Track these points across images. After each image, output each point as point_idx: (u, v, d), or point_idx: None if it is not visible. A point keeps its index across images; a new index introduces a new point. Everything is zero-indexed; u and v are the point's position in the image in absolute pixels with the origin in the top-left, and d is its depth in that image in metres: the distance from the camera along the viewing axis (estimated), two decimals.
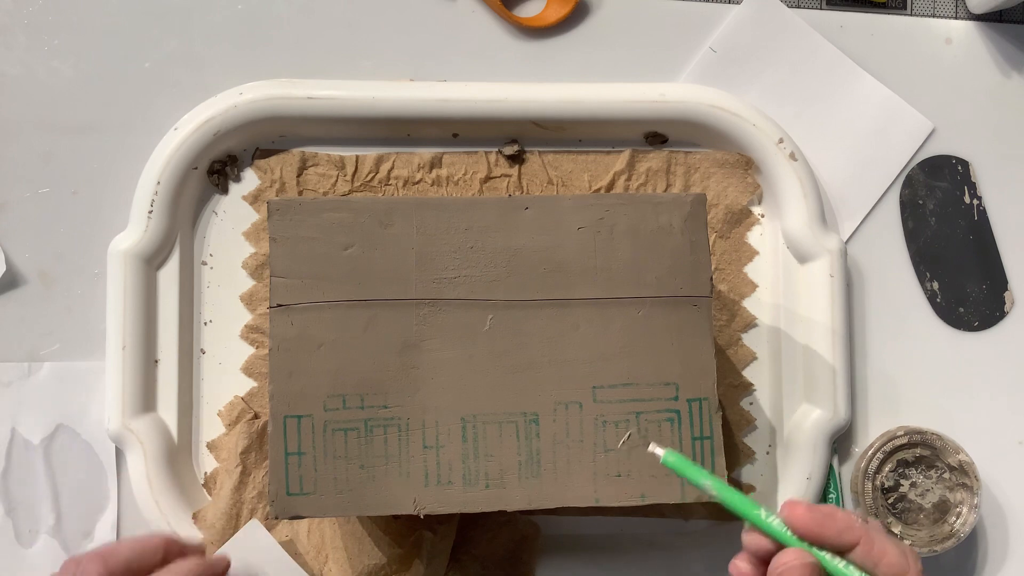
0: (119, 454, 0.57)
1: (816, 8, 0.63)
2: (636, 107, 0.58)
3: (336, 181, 0.59)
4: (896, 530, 0.57)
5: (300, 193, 0.59)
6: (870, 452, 0.58)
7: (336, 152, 0.59)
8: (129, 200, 0.57)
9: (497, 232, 0.49)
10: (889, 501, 0.57)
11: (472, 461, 0.47)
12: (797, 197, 0.59)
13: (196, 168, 0.57)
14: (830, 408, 0.58)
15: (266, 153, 0.59)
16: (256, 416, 0.57)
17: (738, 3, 0.62)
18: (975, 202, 0.63)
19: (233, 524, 0.55)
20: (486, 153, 0.60)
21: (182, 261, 0.57)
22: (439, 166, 0.59)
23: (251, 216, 0.59)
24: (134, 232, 0.56)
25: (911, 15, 0.63)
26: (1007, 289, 0.63)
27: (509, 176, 0.60)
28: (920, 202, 0.62)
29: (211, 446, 0.58)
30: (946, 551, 0.57)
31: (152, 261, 0.57)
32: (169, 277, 0.57)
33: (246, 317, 0.58)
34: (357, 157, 0.59)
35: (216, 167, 0.58)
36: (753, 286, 0.60)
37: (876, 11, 0.63)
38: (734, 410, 0.59)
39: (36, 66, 0.58)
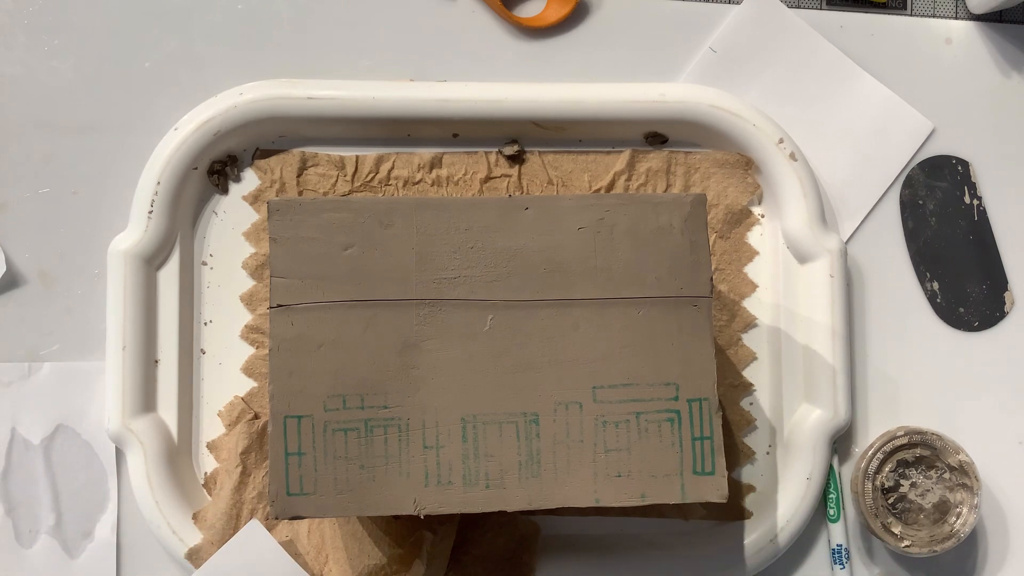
0: (119, 454, 0.57)
1: (816, 8, 0.63)
2: (636, 107, 0.58)
3: (336, 181, 0.59)
4: (896, 530, 0.57)
5: (300, 193, 0.59)
6: (870, 452, 0.58)
7: (336, 152, 0.59)
8: (129, 200, 0.57)
9: (497, 232, 0.49)
10: (889, 501, 0.57)
11: (472, 461, 0.47)
12: (797, 197, 0.59)
13: (196, 168, 0.57)
14: (830, 408, 0.58)
15: (266, 153, 0.59)
16: (256, 416, 0.57)
17: (738, 3, 0.62)
18: (975, 202, 0.63)
19: (233, 524, 0.55)
20: (486, 153, 0.60)
21: (182, 261, 0.57)
22: (439, 166, 0.59)
23: (251, 216, 0.59)
24: (134, 232, 0.56)
25: (911, 15, 0.63)
26: (1007, 289, 0.63)
27: (509, 176, 0.60)
28: (920, 202, 0.62)
29: (211, 446, 0.58)
30: (946, 551, 0.57)
31: (152, 261, 0.57)
32: (169, 277, 0.57)
33: (246, 317, 0.58)
34: (357, 157, 0.59)
35: (216, 167, 0.58)
36: (753, 286, 0.60)
37: (876, 11, 0.63)
38: (734, 410, 0.59)
39: (36, 66, 0.58)
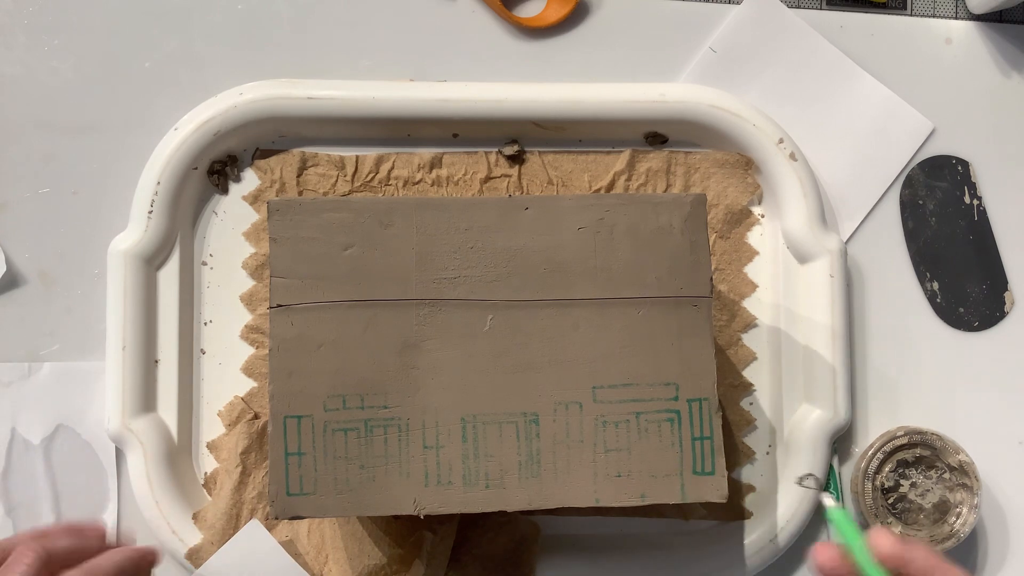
0: (119, 454, 0.57)
1: (816, 8, 0.63)
2: (636, 107, 0.58)
3: (336, 181, 0.59)
4: (896, 530, 0.57)
5: (300, 193, 0.59)
6: (870, 452, 0.58)
7: (336, 152, 0.59)
8: (129, 200, 0.57)
9: (497, 232, 0.49)
10: (889, 501, 0.57)
11: (472, 461, 0.47)
12: (797, 197, 0.59)
13: (196, 168, 0.57)
14: (830, 408, 0.58)
15: (266, 153, 0.59)
16: (256, 416, 0.57)
17: (738, 3, 0.62)
18: (975, 202, 0.63)
19: (233, 524, 0.55)
20: (486, 153, 0.60)
21: (182, 261, 0.57)
22: (439, 166, 0.59)
23: (251, 216, 0.59)
24: (134, 232, 0.56)
25: (911, 15, 0.63)
26: (1007, 289, 0.63)
27: (509, 176, 0.60)
28: (920, 202, 0.62)
29: (211, 446, 0.58)
30: (946, 551, 0.57)
31: (152, 261, 0.57)
32: (169, 277, 0.57)
33: (246, 317, 0.58)
34: (357, 157, 0.59)
35: (216, 167, 0.58)
36: (753, 286, 0.60)
37: (876, 11, 0.63)
38: (734, 410, 0.59)
39: (36, 66, 0.58)
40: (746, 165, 0.60)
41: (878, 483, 0.57)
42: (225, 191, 0.59)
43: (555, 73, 0.61)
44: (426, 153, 0.59)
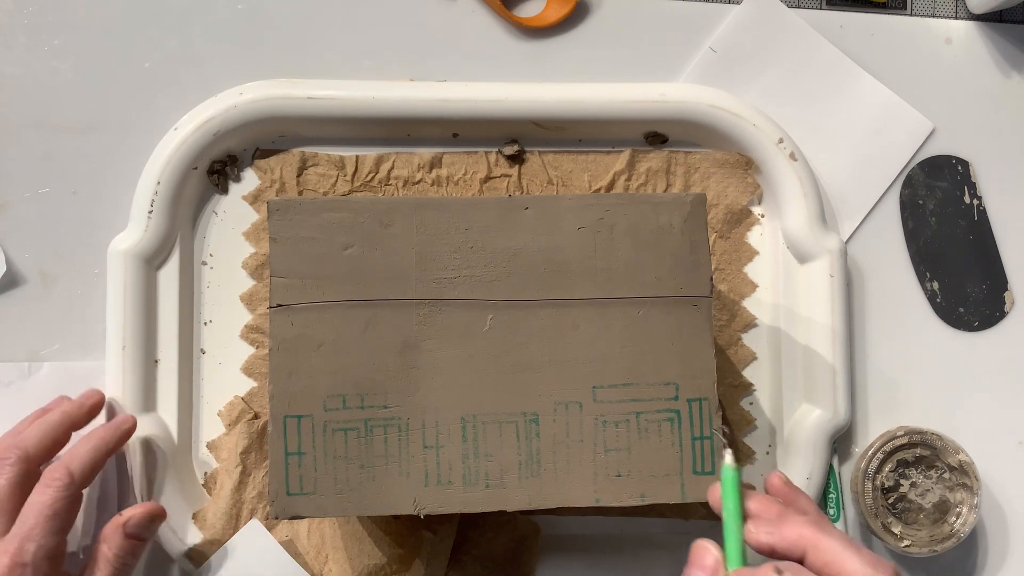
0: (119, 454, 0.57)
1: (816, 8, 0.63)
2: (636, 107, 0.58)
3: (336, 181, 0.59)
4: (896, 530, 0.57)
5: (300, 193, 0.59)
6: (870, 452, 0.58)
7: (336, 152, 0.59)
8: (129, 200, 0.57)
9: (497, 232, 0.49)
10: (889, 501, 0.57)
11: (472, 461, 0.47)
12: (797, 197, 0.59)
13: (196, 168, 0.57)
14: (830, 408, 0.58)
15: (266, 153, 0.59)
16: (256, 416, 0.57)
17: (738, 3, 0.62)
18: (975, 202, 0.63)
19: (233, 524, 0.55)
20: (486, 153, 0.60)
21: (182, 261, 0.57)
22: (439, 166, 0.59)
23: (251, 216, 0.59)
24: (134, 232, 0.56)
25: (911, 15, 0.63)
26: (1007, 289, 0.63)
27: (509, 176, 0.60)
28: (920, 202, 0.62)
29: (211, 446, 0.58)
30: (946, 551, 0.57)
31: (152, 261, 0.57)
32: (169, 277, 0.57)
33: (246, 317, 0.58)
34: (357, 157, 0.59)
35: (216, 167, 0.58)
36: (753, 286, 0.60)
37: (876, 11, 0.63)
38: (734, 410, 0.59)
39: (36, 66, 0.58)
40: (746, 165, 0.60)
41: (878, 483, 0.57)
42: (225, 191, 0.59)
43: (555, 73, 0.61)
44: (426, 153, 0.59)
